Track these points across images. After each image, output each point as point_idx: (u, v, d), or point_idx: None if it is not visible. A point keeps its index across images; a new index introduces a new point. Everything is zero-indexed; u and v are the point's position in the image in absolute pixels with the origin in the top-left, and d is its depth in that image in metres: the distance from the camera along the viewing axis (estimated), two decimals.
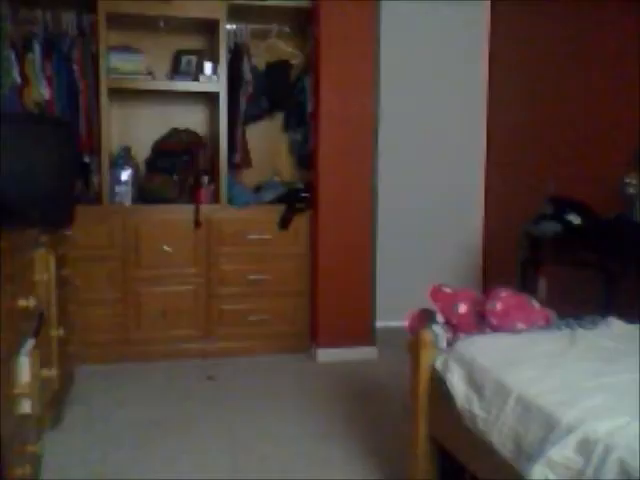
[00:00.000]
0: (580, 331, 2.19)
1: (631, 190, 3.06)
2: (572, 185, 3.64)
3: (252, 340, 4.06)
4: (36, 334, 2.35)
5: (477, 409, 1.95)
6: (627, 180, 3.07)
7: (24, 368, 2.16)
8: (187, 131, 4.23)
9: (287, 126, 4.39)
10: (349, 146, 3.95)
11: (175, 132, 4.20)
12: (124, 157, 4.01)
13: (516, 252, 3.65)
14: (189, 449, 2.79)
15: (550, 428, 1.65)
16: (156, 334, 3.95)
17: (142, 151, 4.19)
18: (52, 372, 2.80)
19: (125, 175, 3.94)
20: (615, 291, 3.04)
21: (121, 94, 4.03)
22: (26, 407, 2.16)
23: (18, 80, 3.76)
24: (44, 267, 2.76)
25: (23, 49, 3.82)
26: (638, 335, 2.17)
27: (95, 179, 3.95)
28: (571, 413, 1.64)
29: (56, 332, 2.89)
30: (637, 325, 2.27)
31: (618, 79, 3.45)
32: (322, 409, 3.24)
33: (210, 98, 4.19)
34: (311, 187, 4.10)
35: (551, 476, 1.60)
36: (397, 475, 2.55)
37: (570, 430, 1.60)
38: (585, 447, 1.54)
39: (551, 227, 3.39)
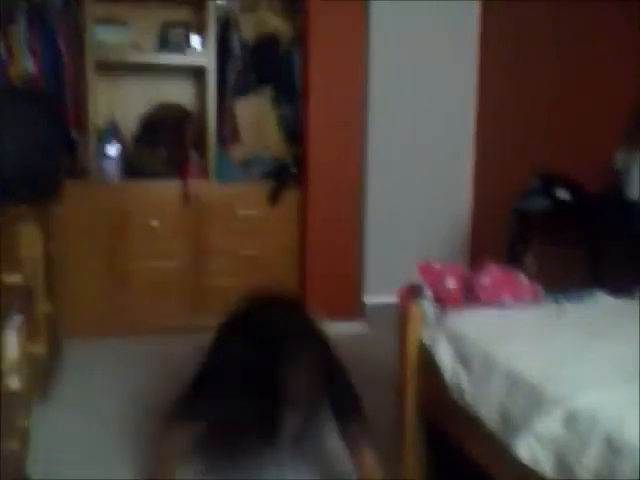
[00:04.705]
0: (567, 305, 2.20)
1: (620, 166, 3.06)
2: (562, 160, 3.64)
3: None
4: (23, 310, 2.34)
5: (465, 383, 1.96)
6: (617, 155, 3.07)
7: (11, 344, 2.16)
8: (175, 105, 4.18)
9: (276, 101, 4.34)
10: (338, 120, 3.93)
11: (163, 106, 4.16)
12: (111, 131, 3.97)
13: (505, 227, 3.65)
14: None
15: (537, 402, 1.67)
16: (145, 309, 3.94)
17: (129, 125, 4.14)
18: (40, 347, 2.80)
19: (112, 150, 3.90)
20: (602, 266, 3.05)
21: (107, 68, 3.97)
22: (14, 382, 2.16)
23: (3, 54, 3.70)
24: (30, 242, 2.75)
25: (7, 22, 3.75)
26: (624, 309, 2.18)
27: (82, 154, 3.90)
28: (557, 387, 1.65)
29: (44, 307, 2.89)
30: (623, 299, 2.28)
31: (610, 54, 3.43)
32: None
33: (198, 72, 4.14)
34: (300, 162, 4.08)
35: (537, 449, 1.62)
36: (386, 446, 2.57)
37: (555, 403, 1.61)
38: (571, 420, 1.56)
39: (539, 203, 3.39)
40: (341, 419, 2.17)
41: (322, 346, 2.23)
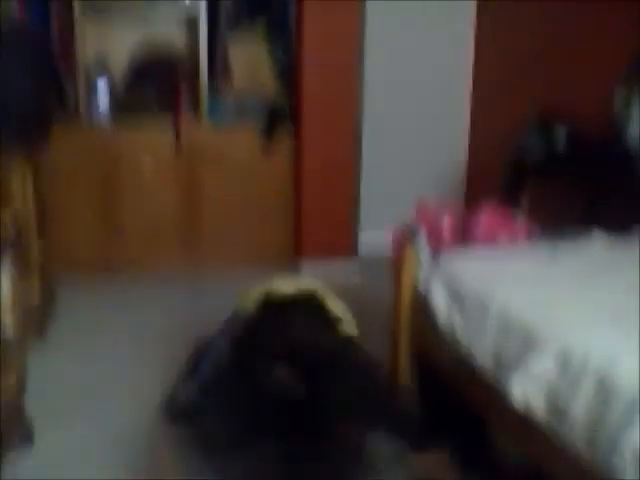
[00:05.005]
0: (562, 247, 2.19)
1: (620, 107, 3.00)
2: (561, 97, 3.57)
3: (235, 260, 4.04)
4: (15, 254, 2.32)
5: (459, 325, 1.97)
6: (617, 96, 3.01)
7: (3, 287, 2.15)
8: (166, 46, 4.08)
9: (270, 42, 4.23)
10: (334, 60, 3.84)
11: (153, 48, 4.05)
12: (100, 73, 3.87)
13: (501, 168, 3.61)
14: (176, 363, 2.78)
15: (530, 343, 1.67)
16: (139, 253, 3.90)
17: (119, 68, 4.03)
18: (33, 291, 2.80)
19: (102, 93, 3.82)
20: (598, 210, 3.03)
21: (96, 8, 3.82)
22: (7, 322, 2.16)
23: None
24: (21, 184, 2.71)
25: None
26: (619, 250, 2.17)
27: (71, 97, 3.81)
28: (551, 328, 1.65)
29: (36, 252, 2.88)
30: (619, 240, 2.27)
31: None
32: None
33: (189, 12, 4.01)
34: (295, 104, 4.01)
35: (530, 388, 1.63)
36: None
37: (549, 345, 1.61)
38: (563, 362, 1.56)
39: (536, 153, 3.36)
40: (395, 440, 1.80)
41: (364, 370, 1.88)
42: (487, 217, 2.19)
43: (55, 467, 2.18)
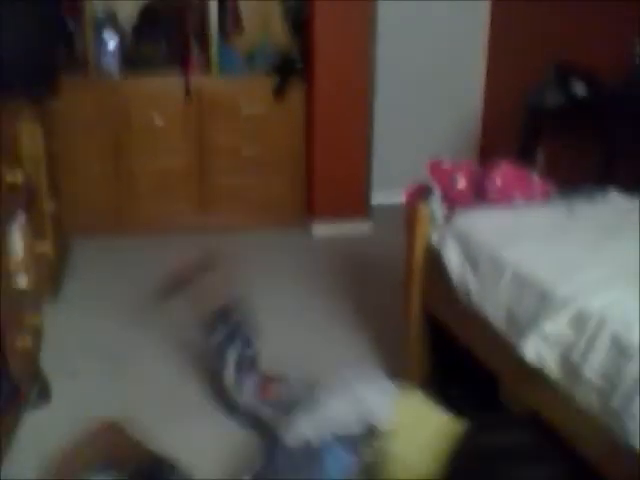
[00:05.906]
0: (578, 206, 2.16)
1: None
2: (580, 50, 3.48)
3: (247, 215, 4.03)
4: (27, 208, 2.31)
5: (472, 283, 1.96)
6: (637, 48, 2.93)
7: (17, 242, 2.15)
8: None
9: None
10: (347, 10, 3.74)
11: None
12: (109, 23, 3.79)
13: (516, 122, 3.55)
14: (188, 321, 2.81)
15: (544, 302, 1.66)
16: (150, 208, 3.91)
17: (128, 19, 3.95)
18: (47, 245, 2.81)
19: (111, 43, 3.75)
20: (617, 164, 2.98)
21: None
22: (22, 281, 2.17)
23: None
24: (30, 140, 2.69)
25: None
26: (637, 209, 2.14)
27: (79, 46, 3.74)
28: (566, 287, 1.64)
29: (48, 205, 2.87)
30: (637, 200, 2.23)
31: None
32: (320, 283, 3.27)
33: None
34: (307, 55, 3.93)
35: (543, 349, 1.62)
36: (391, 344, 2.61)
37: (564, 304, 1.60)
38: (578, 321, 1.56)
39: (554, 98, 3.28)
40: None
41: None
42: (502, 175, 2.15)
43: (72, 422, 2.21)
